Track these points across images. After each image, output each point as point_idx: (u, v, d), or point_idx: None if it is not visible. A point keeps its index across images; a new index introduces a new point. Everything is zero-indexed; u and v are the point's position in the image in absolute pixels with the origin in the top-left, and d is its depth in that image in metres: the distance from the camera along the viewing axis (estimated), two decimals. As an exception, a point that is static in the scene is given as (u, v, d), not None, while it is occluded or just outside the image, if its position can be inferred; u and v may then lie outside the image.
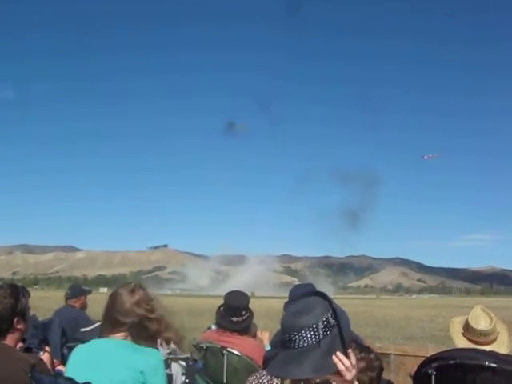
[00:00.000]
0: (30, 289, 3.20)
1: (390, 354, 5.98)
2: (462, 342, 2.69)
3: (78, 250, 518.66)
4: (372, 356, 2.68)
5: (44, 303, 23.79)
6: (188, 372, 4.67)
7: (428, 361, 2.50)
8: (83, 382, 2.31)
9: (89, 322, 5.62)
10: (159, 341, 2.65)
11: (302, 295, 1.81)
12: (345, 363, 1.66)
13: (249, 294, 4.34)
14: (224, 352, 3.84)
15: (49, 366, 2.69)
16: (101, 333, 2.63)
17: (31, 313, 2.95)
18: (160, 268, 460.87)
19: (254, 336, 4.34)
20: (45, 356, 2.74)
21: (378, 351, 2.85)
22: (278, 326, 1.81)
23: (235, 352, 3.82)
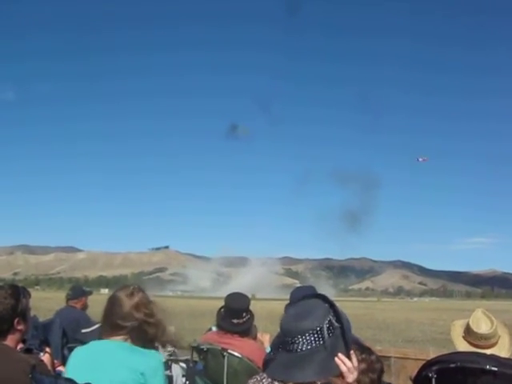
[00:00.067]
0: (30, 289, 3.21)
1: (390, 356, 5.98)
2: (462, 346, 2.69)
3: (79, 250, 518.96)
4: (373, 357, 2.68)
5: (45, 304, 23.82)
6: (188, 374, 4.67)
7: (429, 364, 2.50)
8: (83, 383, 2.31)
9: (90, 323, 5.63)
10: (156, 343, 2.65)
11: (302, 297, 1.81)
12: (347, 365, 1.66)
13: (249, 295, 4.34)
14: (224, 354, 3.83)
15: (49, 367, 2.69)
16: (100, 335, 2.63)
17: (32, 313, 2.95)
18: (161, 269, 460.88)
19: (255, 338, 4.34)
20: (45, 357, 2.73)
21: (379, 354, 2.84)
22: (279, 329, 1.80)
23: (236, 354, 3.81)
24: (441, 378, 2.42)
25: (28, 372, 2.36)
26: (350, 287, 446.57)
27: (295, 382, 1.67)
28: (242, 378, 3.73)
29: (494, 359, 2.33)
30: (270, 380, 2.25)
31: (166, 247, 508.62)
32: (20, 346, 2.70)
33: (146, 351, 2.52)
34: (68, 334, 5.57)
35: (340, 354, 1.66)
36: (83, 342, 2.89)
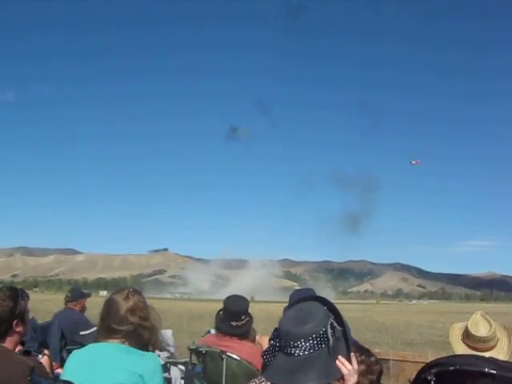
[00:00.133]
0: (29, 291, 3.21)
1: (389, 359, 5.96)
2: (461, 349, 2.69)
3: (78, 252, 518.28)
4: (372, 359, 2.69)
5: (44, 306, 23.82)
6: (187, 376, 4.67)
7: (427, 367, 2.49)
8: (82, 385, 2.31)
9: (88, 325, 5.63)
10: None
11: (302, 300, 1.80)
12: (348, 368, 1.66)
13: (248, 298, 4.33)
14: (223, 356, 3.83)
15: (48, 369, 2.69)
16: (96, 338, 2.62)
17: (30, 316, 2.95)
18: (160, 272, 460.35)
19: (254, 340, 4.33)
20: (44, 359, 2.73)
21: (378, 357, 2.85)
22: (275, 331, 1.78)
23: (234, 356, 3.81)
24: (440, 380, 2.42)
25: (27, 374, 2.35)
26: (349, 290, 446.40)
27: None
28: (241, 380, 3.72)
29: (493, 362, 2.33)
30: (268, 383, 2.24)
31: (165, 249, 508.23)
32: (18, 348, 2.70)
33: (144, 353, 2.52)
34: (67, 336, 5.57)
35: (340, 357, 1.66)
36: (82, 344, 2.89)
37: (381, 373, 2.73)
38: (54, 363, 3.15)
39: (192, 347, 4.18)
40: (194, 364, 4.52)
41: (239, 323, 3.91)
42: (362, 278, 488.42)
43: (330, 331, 1.65)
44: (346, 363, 1.67)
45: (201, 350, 4.03)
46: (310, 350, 1.63)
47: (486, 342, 2.64)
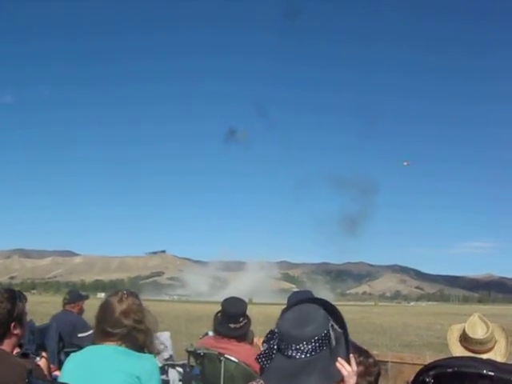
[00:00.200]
0: (27, 293, 3.20)
1: (387, 361, 5.97)
2: (458, 351, 2.69)
3: (76, 254, 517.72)
4: (371, 361, 2.69)
5: (41, 308, 23.76)
6: (185, 378, 4.67)
7: (426, 369, 2.49)
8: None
9: (86, 328, 5.62)
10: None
11: (300, 302, 1.80)
12: (347, 369, 1.67)
13: (246, 300, 4.33)
14: (221, 358, 3.83)
15: (46, 372, 2.68)
16: (93, 341, 2.62)
17: (28, 318, 2.95)
18: (158, 274, 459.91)
19: (252, 343, 4.33)
20: (42, 361, 2.73)
21: (376, 359, 2.85)
22: (272, 333, 1.77)
23: (232, 359, 3.81)
24: (438, 382, 2.42)
25: (24, 377, 2.35)
26: (348, 291, 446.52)
27: None
28: (239, 382, 3.73)
29: (491, 364, 2.33)
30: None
31: (163, 251, 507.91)
32: (16, 350, 2.70)
33: (142, 355, 2.52)
34: (64, 338, 5.56)
35: (340, 359, 1.66)
36: (80, 347, 2.89)
37: (379, 374, 2.73)
38: (51, 365, 3.14)
39: (190, 349, 4.18)
40: (192, 366, 4.52)
41: (237, 325, 3.91)
42: (360, 280, 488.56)
43: (332, 333, 1.65)
44: (346, 365, 1.67)
45: (199, 352, 4.03)
46: (311, 352, 1.62)
47: (484, 344, 2.64)
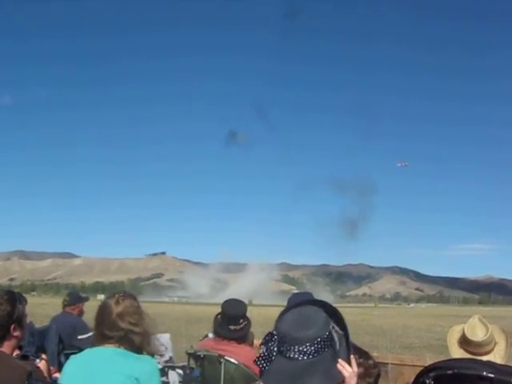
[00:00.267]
0: (27, 295, 3.20)
1: (387, 363, 5.97)
2: (458, 353, 2.69)
3: (76, 256, 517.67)
4: (371, 362, 2.69)
5: (41, 310, 23.75)
6: (185, 380, 4.67)
7: (426, 370, 2.49)
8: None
9: (86, 329, 5.62)
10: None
11: (300, 303, 1.79)
12: (348, 370, 1.67)
13: (246, 302, 4.33)
14: (221, 360, 3.83)
15: (45, 374, 2.68)
16: (92, 343, 2.62)
17: (28, 320, 2.95)
18: (158, 275, 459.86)
19: (252, 344, 4.34)
20: (41, 364, 2.73)
21: (376, 360, 2.85)
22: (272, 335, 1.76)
23: (232, 360, 3.81)
24: (438, 384, 2.42)
25: (24, 379, 2.35)
26: (348, 293, 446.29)
27: None
28: (239, 384, 3.73)
29: (491, 366, 2.33)
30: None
31: (163, 253, 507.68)
32: (16, 352, 2.70)
33: (141, 356, 2.52)
34: (64, 340, 5.56)
35: (341, 360, 1.67)
36: (80, 349, 2.89)
37: (378, 376, 2.73)
38: (51, 368, 3.14)
39: (190, 351, 4.18)
40: (192, 368, 4.51)
41: (237, 327, 3.92)
42: (360, 282, 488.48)
43: (335, 335, 1.65)
44: (347, 366, 1.67)
45: (199, 354, 4.03)
46: (314, 353, 1.61)
47: (483, 347, 2.64)
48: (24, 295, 2.87)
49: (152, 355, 2.62)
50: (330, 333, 1.65)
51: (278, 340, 1.67)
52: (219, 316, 4.00)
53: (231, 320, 3.91)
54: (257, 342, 4.42)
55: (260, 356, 1.69)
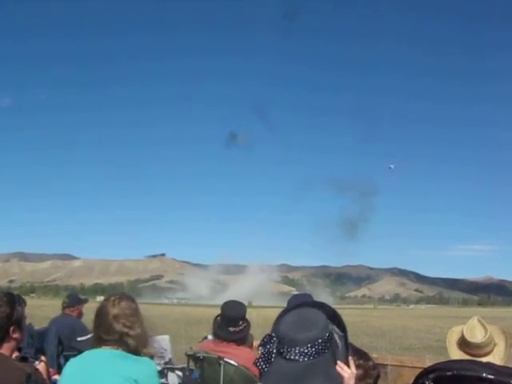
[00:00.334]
0: (26, 297, 3.21)
1: (387, 364, 5.95)
2: (457, 354, 2.68)
3: (75, 258, 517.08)
4: (370, 363, 2.69)
5: (40, 312, 23.73)
6: (184, 382, 4.66)
7: (425, 372, 2.49)
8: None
9: (85, 331, 5.61)
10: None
11: (299, 305, 1.79)
12: (347, 372, 1.67)
13: (246, 303, 4.33)
14: (221, 362, 3.83)
15: (45, 376, 2.68)
16: (92, 345, 2.62)
17: (27, 321, 2.95)
18: (157, 277, 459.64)
19: (251, 346, 4.34)
20: (41, 365, 2.73)
21: (376, 362, 2.85)
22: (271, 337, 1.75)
23: (232, 362, 3.81)
24: (437, 385, 2.42)
25: (23, 381, 2.35)
26: (347, 294, 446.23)
27: None
28: (239, 386, 3.72)
29: (491, 367, 2.33)
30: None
31: (163, 255, 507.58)
32: (15, 354, 2.70)
33: (139, 358, 2.52)
34: (64, 342, 5.56)
35: (339, 362, 1.66)
36: (79, 351, 2.88)
37: (378, 377, 2.73)
38: (50, 369, 3.14)
39: (189, 353, 4.18)
40: (192, 370, 4.51)
41: (237, 329, 3.91)
42: (360, 283, 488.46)
43: (336, 336, 1.65)
44: (345, 367, 1.67)
45: (198, 355, 4.03)
46: (315, 355, 1.61)
47: (482, 348, 2.63)
48: (23, 297, 2.87)
49: (151, 357, 2.62)
50: (331, 334, 1.65)
51: (278, 341, 1.66)
52: (219, 318, 4.00)
53: (231, 322, 3.91)
54: (256, 343, 4.41)
55: (259, 357, 1.69)
